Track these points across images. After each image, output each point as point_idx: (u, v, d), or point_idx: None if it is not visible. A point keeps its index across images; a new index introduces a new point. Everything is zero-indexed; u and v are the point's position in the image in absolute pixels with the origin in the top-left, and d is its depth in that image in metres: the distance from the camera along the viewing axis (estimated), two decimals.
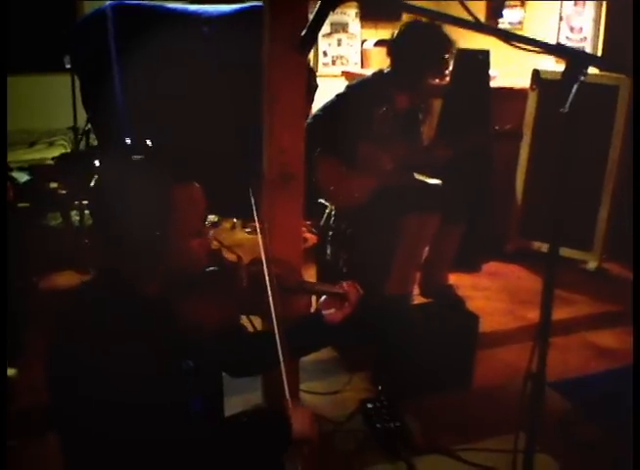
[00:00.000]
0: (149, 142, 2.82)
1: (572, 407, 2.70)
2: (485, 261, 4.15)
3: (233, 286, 1.54)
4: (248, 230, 4.46)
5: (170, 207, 1.33)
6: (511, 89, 4.37)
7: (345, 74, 5.21)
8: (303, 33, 1.48)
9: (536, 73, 3.95)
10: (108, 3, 3.85)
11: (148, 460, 1.27)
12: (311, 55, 5.53)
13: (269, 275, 1.51)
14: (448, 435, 2.51)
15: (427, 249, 3.37)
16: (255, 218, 1.64)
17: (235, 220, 4.62)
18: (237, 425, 1.45)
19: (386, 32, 3.21)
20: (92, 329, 1.28)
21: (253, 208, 1.66)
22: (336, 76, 5.40)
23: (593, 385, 2.87)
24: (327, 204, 3.32)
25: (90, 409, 1.24)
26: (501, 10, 5.39)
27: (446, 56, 3.08)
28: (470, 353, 2.85)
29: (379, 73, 3.27)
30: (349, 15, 5.81)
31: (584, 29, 4.82)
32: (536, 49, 1.38)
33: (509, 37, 1.40)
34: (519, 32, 4.80)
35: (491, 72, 4.14)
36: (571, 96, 1.32)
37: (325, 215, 3.31)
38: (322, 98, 3.50)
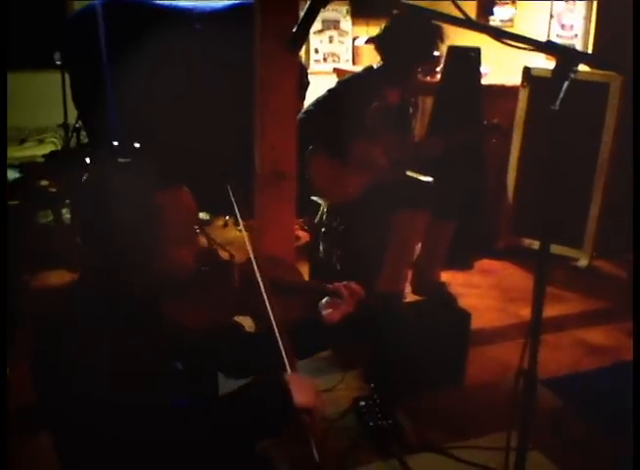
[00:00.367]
0: (137, 144, 2.81)
1: (564, 404, 2.71)
2: (477, 259, 4.16)
3: (225, 285, 1.52)
4: (240, 228, 4.44)
5: (155, 212, 1.29)
6: (502, 86, 4.37)
7: (337, 72, 5.20)
8: (294, 30, 1.48)
9: (527, 71, 3.95)
10: None
11: (142, 458, 1.25)
12: (303, 52, 5.52)
13: (261, 274, 1.50)
14: (441, 432, 2.50)
15: (419, 246, 3.37)
16: (238, 218, 1.63)
17: (227, 218, 4.61)
18: (234, 399, 1.37)
19: (377, 30, 3.21)
20: (82, 327, 1.27)
21: (235, 206, 1.64)
22: (327, 73, 5.40)
23: (584, 382, 2.88)
24: (320, 201, 3.32)
25: (79, 408, 1.23)
26: (492, 7, 5.40)
27: (435, 39, 3.08)
28: (462, 351, 2.85)
29: (369, 69, 3.28)
30: (341, 12, 5.80)
31: (575, 27, 4.83)
32: (527, 46, 1.38)
33: (500, 35, 1.40)
34: (510, 30, 4.83)
35: (482, 70, 4.15)
36: (562, 93, 1.32)
37: (319, 213, 3.31)
38: (313, 95, 3.50)
